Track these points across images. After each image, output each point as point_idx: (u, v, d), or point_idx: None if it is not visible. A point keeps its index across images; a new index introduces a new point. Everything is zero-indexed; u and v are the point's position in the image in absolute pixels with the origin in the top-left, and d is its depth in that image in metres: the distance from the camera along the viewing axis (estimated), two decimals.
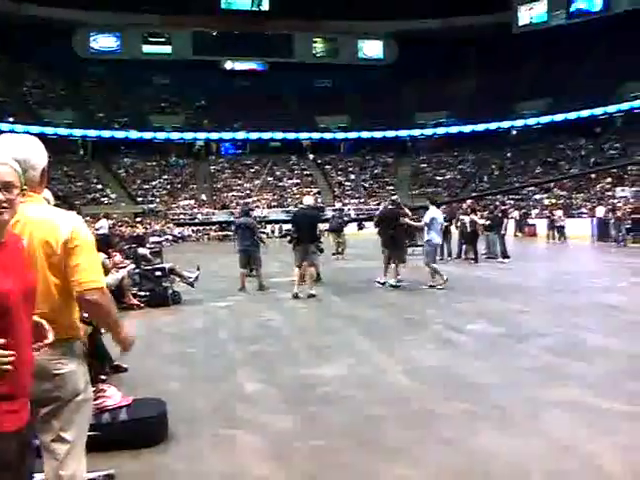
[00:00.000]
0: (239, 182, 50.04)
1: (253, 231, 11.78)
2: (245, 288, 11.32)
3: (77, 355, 2.25)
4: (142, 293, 9.79)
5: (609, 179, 37.26)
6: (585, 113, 44.10)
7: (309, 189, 48.45)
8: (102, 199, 43.82)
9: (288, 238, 11.84)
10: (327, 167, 52.43)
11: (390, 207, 12.07)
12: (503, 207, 20.16)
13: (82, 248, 2.17)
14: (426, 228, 11.06)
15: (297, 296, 10.10)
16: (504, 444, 3.62)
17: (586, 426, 3.88)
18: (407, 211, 12.20)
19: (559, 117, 45.58)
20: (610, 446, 3.54)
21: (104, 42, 55.61)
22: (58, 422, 2.16)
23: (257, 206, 44.88)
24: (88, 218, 20.07)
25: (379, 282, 11.39)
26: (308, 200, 11.35)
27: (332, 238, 19.40)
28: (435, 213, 11.34)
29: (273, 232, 36.95)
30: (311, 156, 53.81)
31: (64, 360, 2.16)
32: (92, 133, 49.26)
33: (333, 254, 18.08)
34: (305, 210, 10.98)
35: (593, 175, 38.65)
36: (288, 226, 22.68)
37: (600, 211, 25.12)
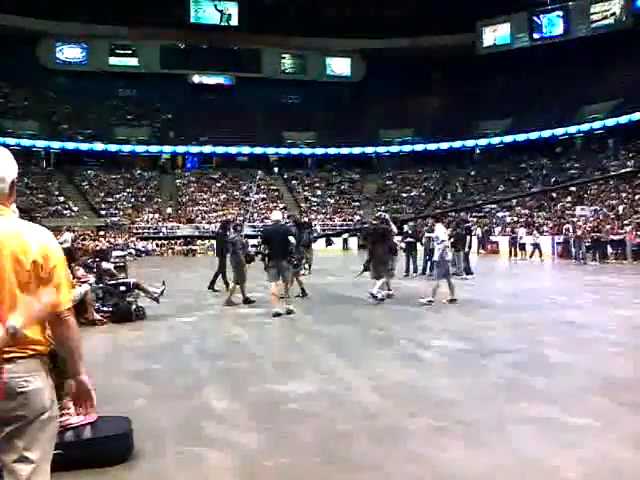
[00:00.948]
0: (205, 196, 49.72)
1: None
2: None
3: (43, 372, 2.19)
4: (105, 308, 9.61)
5: (569, 198, 38.18)
6: (546, 133, 45.19)
7: (275, 204, 48.45)
8: (64, 212, 43.01)
9: (259, 256, 11.73)
10: (293, 182, 52.52)
11: (374, 223, 12.18)
12: (466, 224, 20.45)
13: (58, 267, 2.14)
14: (438, 245, 11.05)
15: (279, 314, 9.78)
16: (471, 459, 3.66)
17: (551, 441, 3.94)
18: (394, 227, 12.32)
19: (521, 137, 46.59)
20: (575, 460, 3.61)
21: (70, 53, 54.97)
22: (22, 441, 2.09)
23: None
24: (50, 231, 19.62)
25: (372, 295, 11.26)
26: (275, 215, 11.20)
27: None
28: (442, 230, 11.39)
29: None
30: (276, 169, 53.87)
31: (29, 378, 2.10)
32: (56, 145, 48.42)
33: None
34: (275, 226, 10.83)
35: (554, 194, 39.54)
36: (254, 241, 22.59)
37: (569, 229, 25.71)
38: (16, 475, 2.07)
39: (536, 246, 25.81)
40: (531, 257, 25.70)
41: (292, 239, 10.18)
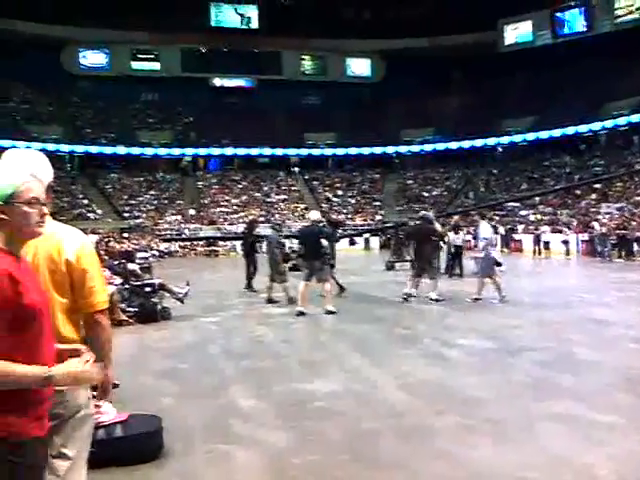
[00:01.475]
0: (226, 198, 50.00)
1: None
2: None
3: None
4: (131, 309, 9.73)
5: (594, 195, 37.67)
6: (570, 130, 44.63)
7: (296, 205, 48.57)
8: (88, 215, 43.55)
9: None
10: (314, 183, 52.57)
11: (418, 223, 12.14)
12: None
13: (92, 269, 2.18)
14: (484, 242, 10.97)
15: (302, 313, 9.85)
16: (501, 457, 3.64)
17: (581, 438, 3.91)
18: (438, 227, 12.23)
19: (544, 134, 46.06)
20: (604, 457, 3.57)
21: (93, 58, 55.63)
22: (59, 438, 2.15)
23: (244, 222, 44.94)
24: None
25: (406, 295, 11.28)
26: (314, 215, 11.03)
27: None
28: (486, 227, 11.30)
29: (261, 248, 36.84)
30: (296, 169, 53.97)
31: None
32: (80, 149, 49.05)
33: None
34: (310, 226, 10.77)
35: (578, 192, 39.03)
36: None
37: (594, 226, 25.41)
38: (54, 470, 2.13)
39: (566, 244, 25.53)
40: (567, 254, 25.41)
41: (324, 241, 10.13)
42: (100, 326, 2.21)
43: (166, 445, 3.91)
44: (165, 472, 3.63)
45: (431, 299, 11.09)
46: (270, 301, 11.68)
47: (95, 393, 2.38)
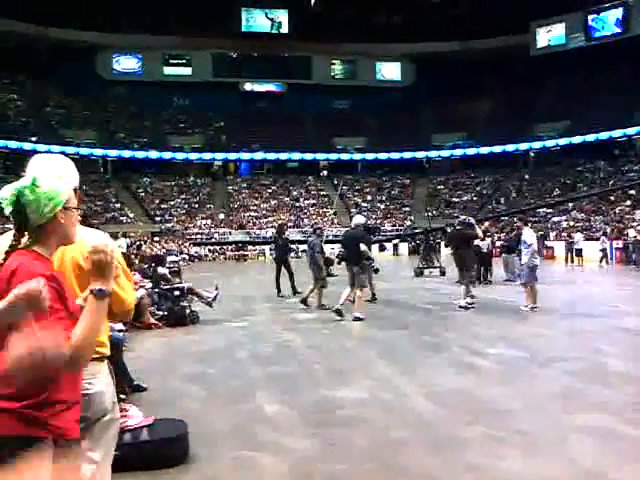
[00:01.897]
0: (256, 202, 50.30)
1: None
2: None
3: (106, 375, 2.26)
4: (160, 312, 9.82)
5: (628, 202, 36.93)
6: (604, 135, 43.87)
7: (325, 209, 48.62)
8: (121, 218, 44.25)
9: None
10: (344, 188, 52.56)
11: (458, 228, 12.07)
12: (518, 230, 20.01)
13: (119, 269, 2.19)
14: (526, 249, 10.81)
15: (338, 312, 9.92)
16: (531, 470, 3.56)
17: (613, 453, 3.80)
18: (479, 232, 12.14)
19: (577, 139, 45.39)
20: (637, 474, 3.47)
21: (126, 64, 56.56)
22: (86, 442, 2.16)
23: (273, 226, 45.14)
24: None
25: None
26: (357, 219, 10.90)
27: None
28: (530, 233, 11.15)
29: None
30: (325, 172, 54.04)
31: (93, 380, 2.17)
32: (112, 153, 49.89)
33: None
34: (351, 231, 10.78)
35: (612, 198, 38.30)
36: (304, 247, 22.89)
37: (632, 233, 24.88)
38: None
39: (604, 251, 25.03)
40: (601, 262, 24.86)
41: (362, 246, 10.05)
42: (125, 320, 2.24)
43: (192, 450, 3.92)
44: (190, 477, 3.63)
45: (460, 306, 10.97)
46: (304, 302, 11.65)
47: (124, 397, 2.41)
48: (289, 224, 45.19)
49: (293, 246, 18.92)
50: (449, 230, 12.82)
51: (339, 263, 10.96)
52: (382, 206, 49.94)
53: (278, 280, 14.26)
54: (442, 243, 15.52)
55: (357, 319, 9.81)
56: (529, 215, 39.53)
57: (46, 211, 1.81)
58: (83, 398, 2.12)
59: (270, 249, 40.64)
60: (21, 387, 1.69)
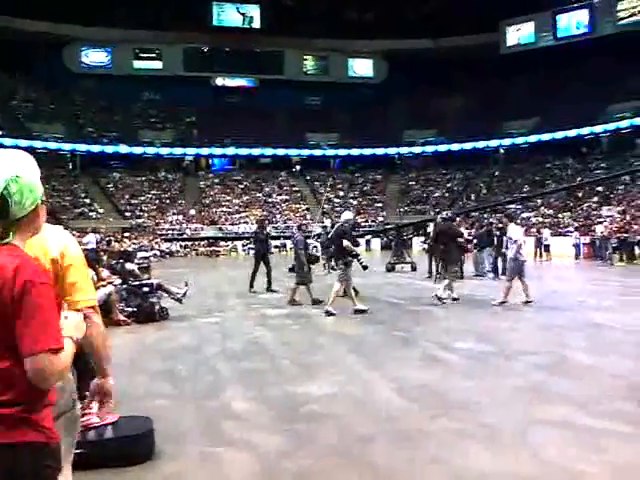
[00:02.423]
0: (228, 198, 50.02)
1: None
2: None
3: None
4: (129, 309, 9.70)
5: (595, 198, 37.60)
6: (572, 133, 44.59)
7: (298, 205, 48.61)
8: (90, 213, 43.60)
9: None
10: (316, 184, 52.57)
11: (444, 222, 12.23)
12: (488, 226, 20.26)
13: (74, 266, 2.15)
14: (512, 245, 10.94)
15: (362, 311, 10.03)
16: (494, 463, 3.60)
17: (576, 445, 3.87)
18: (462, 230, 12.33)
19: (546, 136, 46.04)
20: (600, 465, 3.53)
21: (95, 57, 55.63)
22: None
23: (246, 222, 44.99)
24: (75, 233, 19.93)
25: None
26: (345, 215, 11.04)
27: (322, 254, 19.64)
28: (516, 229, 11.23)
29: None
30: (297, 168, 53.97)
31: None
32: (81, 147, 49.03)
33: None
34: (338, 226, 10.87)
35: (580, 194, 38.96)
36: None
37: (599, 229, 25.38)
38: None
39: (576, 247, 25.54)
40: (577, 258, 25.33)
41: (345, 241, 10.08)
42: (90, 321, 2.17)
43: (157, 447, 3.88)
44: (155, 474, 3.59)
45: (437, 296, 10.96)
46: (293, 302, 11.49)
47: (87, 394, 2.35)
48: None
49: (279, 242, 19.00)
50: (438, 224, 12.91)
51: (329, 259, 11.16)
52: (355, 202, 50.07)
53: (254, 276, 14.05)
54: (419, 238, 15.65)
55: (329, 314, 9.85)
56: (499, 211, 40.12)
57: (28, 204, 1.78)
58: None
59: (243, 245, 40.62)
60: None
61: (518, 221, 12.89)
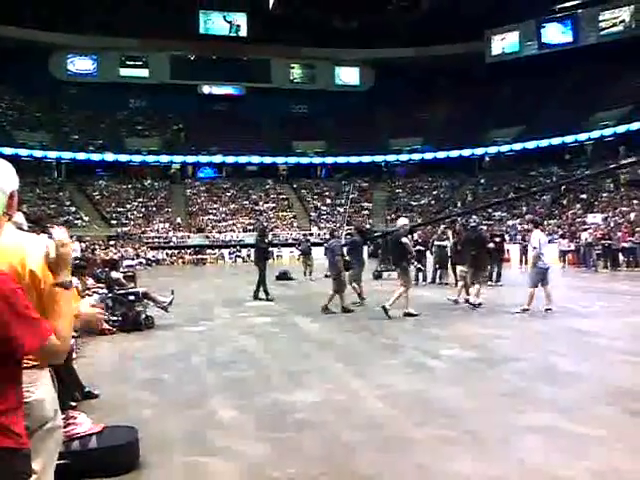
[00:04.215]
0: (215, 206, 49.88)
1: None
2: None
3: (46, 382, 2.20)
4: (114, 318, 9.66)
5: (579, 205, 37.93)
6: (556, 141, 44.99)
7: (285, 213, 48.56)
8: (75, 222, 43.22)
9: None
10: (303, 191, 52.59)
11: (473, 228, 12.53)
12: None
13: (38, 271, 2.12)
14: (535, 252, 10.94)
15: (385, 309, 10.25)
16: (478, 469, 3.62)
17: (559, 451, 3.90)
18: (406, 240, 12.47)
19: (531, 144, 46.40)
20: (583, 471, 3.56)
21: (81, 64, 55.34)
22: None
23: (232, 230, 44.90)
24: None
25: (451, 299, 11.97)
26: (401, 221, 11.58)
27: (302, 260, 20.81)
28: (537, 236, 11.13)
29: (249, 256, 36.69)
30: (284, 173, 54.01)
31: (32, 388, 2.10)
32: (67, 155, 48.66)
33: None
34: (395, 231, 11.50)
35: (564, 202, 39.29)
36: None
37: (584, 236, 25.59)
38: None
39: (565, 254, 25.77)
40: (564, 265, 25.54)
41: (404, 239, 10.70)
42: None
43: (142, 457, 3.87)
44: None
45: (470, 303, 11.31)
46: (346, 310, 11.29)
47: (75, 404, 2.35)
48: (249, 228, 44.98)
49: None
50: (467, 231, 13.10)
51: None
52: (341, 210, 50.12)
53: (265, 283, 13.77)
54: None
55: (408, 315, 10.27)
56: (486, 218, 40.38)
57: None
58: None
59: (230, 253, 40.56)
60: None
61: (541, 227, 12.72)
